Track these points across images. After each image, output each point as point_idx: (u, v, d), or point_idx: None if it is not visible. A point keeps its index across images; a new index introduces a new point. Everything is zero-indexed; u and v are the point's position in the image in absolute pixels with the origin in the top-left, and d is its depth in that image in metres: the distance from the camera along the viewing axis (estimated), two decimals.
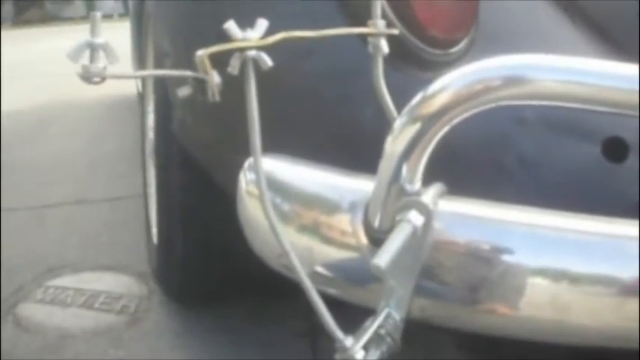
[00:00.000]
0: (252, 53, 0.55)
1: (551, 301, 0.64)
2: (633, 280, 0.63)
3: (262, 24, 0.57)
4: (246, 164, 0.78)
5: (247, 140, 0.94)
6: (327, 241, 0.69)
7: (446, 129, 0.57)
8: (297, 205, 0.72)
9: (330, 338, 1.35)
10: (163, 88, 1.12)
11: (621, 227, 0.67)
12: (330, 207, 0.69)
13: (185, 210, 1.12)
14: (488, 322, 0.64)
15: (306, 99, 0.76)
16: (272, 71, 0.58)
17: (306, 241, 0.71)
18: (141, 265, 1.52)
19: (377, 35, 0.65)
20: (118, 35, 1.63)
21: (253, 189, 0.77)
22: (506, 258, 0.64)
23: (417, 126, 0.58)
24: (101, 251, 1.61)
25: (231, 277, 1.27)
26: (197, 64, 0.55)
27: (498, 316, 0.66)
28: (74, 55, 0.50)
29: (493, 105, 0.56)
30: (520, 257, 0.64)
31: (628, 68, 0.55)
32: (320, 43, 0.66)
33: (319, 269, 0.69)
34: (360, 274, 0.67)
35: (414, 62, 0.80)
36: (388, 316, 0.62)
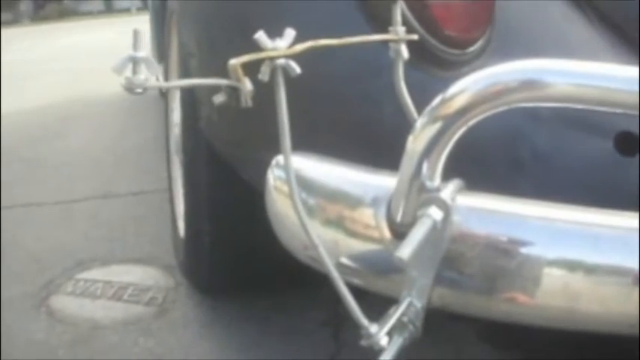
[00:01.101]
0: (281, 62, 0.59)
1: (566, 290, 0.67)
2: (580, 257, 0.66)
3: (290, 34, 0.61)
4: (274, 162, 0.82)
5: (272, 137, 0.99)
6: (351, 234, 0.73)
7: (464, 129, 0.61)
8: (323, 199, 0.76)
9: (352, 327, 1.40)
10: (187, 88, 1.17)
11: (631, 220, 0.71)
12: (354, 202, 0.74)
13: (213, 204, 1.17)
14: (505, 310, 0.68)
15: (329, 99, 0.80)
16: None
17: (331, 234, 0.75)
18: (167, 258, 1.58)
19: (398, 41, 0.69)
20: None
21: (281, 185, 0.81)
22: (522, 249, 0.68)
23: (437, 126, 0.62)
24: (128, 244, 1.67)
25: (255, 268, 1.32)
26: (229, 72, 0.60)
27: (515, 305, 0.70)
28: (119, 69, 0.55)
29: (509, 107, 0.60)
30: (536, 249, 0.68)
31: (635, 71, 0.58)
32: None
33: (344, 260, 0.73)
34: (383, 265, 0.71)
35: (432, 61, 0.84)
36: (410, 304, 0.66)
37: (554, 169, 0.81)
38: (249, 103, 0.59)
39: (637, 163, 0.81)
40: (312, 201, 0.78)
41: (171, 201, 1.58)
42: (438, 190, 0.64)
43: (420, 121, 0.63)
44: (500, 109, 0.60)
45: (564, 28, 0.84)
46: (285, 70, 0.60)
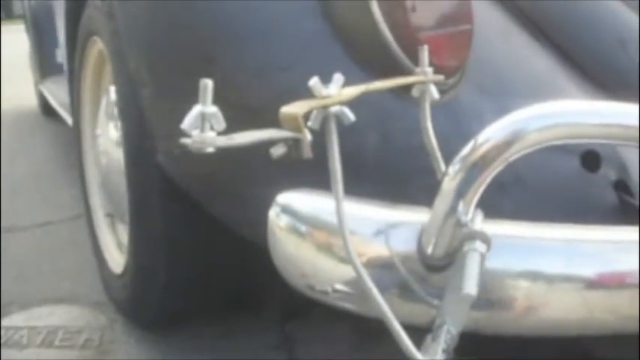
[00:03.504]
0: (334, 109, 0.62)
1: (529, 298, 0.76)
2: (596, 276, 0.77)
3: (339, 79, 0.63)
4: (278, 199, 0.83)
5: (245, 172, 1.00)
6: (368, 266, 0.77)
7: (496, 171, 0.68)
8: (335, 235, 0.79)
9: (305, 348, 1.44)
10: (135, 118, 1.13)
11: (584, 233, 0.81)
12: (367, 237, 0.78)
13: (169, 239, 1.15)
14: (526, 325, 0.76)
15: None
16: None
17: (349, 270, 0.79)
18: (93, 295, 1.50)
19: (425, 82, 0.74)
20: None
21: (285, 223, 0.83)
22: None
23: (469, 170, 0.68)
24: (45, 282, 1.57)
25: (205, 299, 1.31)
26: (283, 122, 0.61)
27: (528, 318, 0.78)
28: (191, 126, 0.54)
29: (535, 149, 0.68)
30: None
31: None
32: None
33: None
34: (410, 295, 0.76)
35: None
36: (448, 331, 0.71)
37: (530, 189, 0.91)
38: (310, 155, 0.60)
39: (599, 178, 0.92)
40: (321, 236, 0.81)
41: (93, 233, 1.51)
42: (472, 223, 0.70)
43: (455, 164, 0.68)
44: (528, 151, 0.68)
45: (531, 63, 0.94)
46: (338, 118, 0.62)
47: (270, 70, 0.94)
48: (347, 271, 0.78)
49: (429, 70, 0.76)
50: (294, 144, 0.59)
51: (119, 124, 1.23)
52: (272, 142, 0.59)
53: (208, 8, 0.99)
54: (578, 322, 0.77)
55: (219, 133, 0.55)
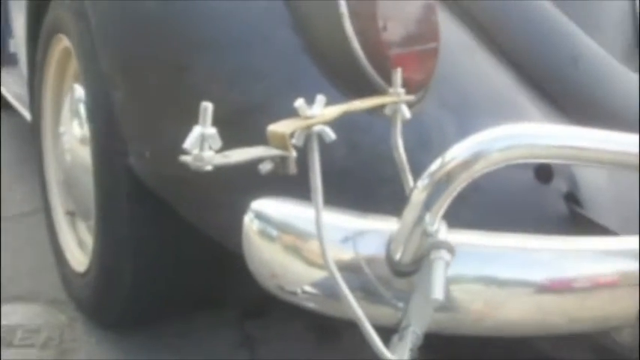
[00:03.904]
0: (317, 128, 0.67)
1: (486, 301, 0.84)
2: (547, 281, 0.85)
3: (321, 100, 0.68)
4: (252, 206, 0.88)
5: (218, 177, 1.04)
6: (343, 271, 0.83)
7: (461, 187, 0.75)
8: (307, 241, 0.85)
9: (267, 345, 1.49)
10: (105, 119, 1.16)
11: (536, 241, 0.89)
12: (337, 243, 0.84)
13: (136, 240, 1.18)
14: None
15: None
16: None
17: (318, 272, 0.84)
18: (52, 292, 1.51)
19: (398, 102, 0.80)
20: None
21: (258, 227, 0.88)
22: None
23: (436, 185, 0.75)
24: (2, 279, 1.56)
25: (169, 298, 1.35)
26: (270, 139, 0.66)
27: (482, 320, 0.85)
28: (191, 146, 0.59)
29: (497, 167, 0.75)
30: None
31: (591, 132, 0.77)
32: None
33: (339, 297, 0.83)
34: (377, 298, 0.82)
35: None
36: (413, 332, 0.78)
37: (489, 200, 0.98)
38: (295, 171, 0.65)
39: (551, 190, 1.01)
40: (291, 239, 0.86)
41: (52, 231, 1.52)
42: (437, 233, 0.76)
43: (424, 179, 0.75)
44: (491, 168, 0.75)
45: (492, 80, 1.01)
46: (320, 136, 0.68)
47: (243, 80, 0.99)
48: (315, 273, 0.84)
49: (402, 91, 0.82)
50: (281, 161, 0.65)
51: (87, 123, 1.25)
52: (260, 160, 0.64)
53: (183, 16, 1.03)
54: (531, 324, 0.84)
55: (216, 151, 0.61)
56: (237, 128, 0.96)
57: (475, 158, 0.74)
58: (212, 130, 0.60)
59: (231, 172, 0.91)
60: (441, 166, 0.75)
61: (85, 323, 1.43)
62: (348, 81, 0.94)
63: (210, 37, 1.00)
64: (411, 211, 0.77)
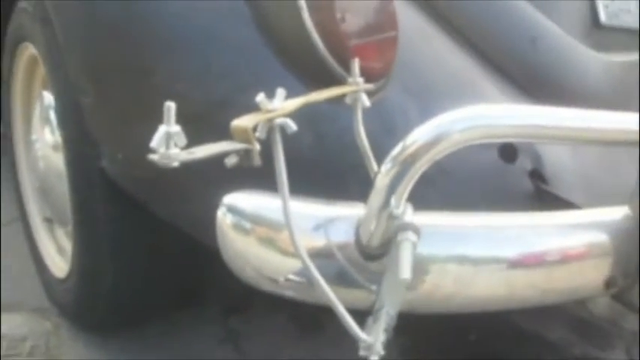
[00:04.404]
0: (279, 121, 0.70)
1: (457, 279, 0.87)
2: (516, 256, 0.89)
3: (282, 93, 0.71)
4: (224, 200, 0.91)
5: (189, 173, 1.07)
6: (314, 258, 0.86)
7: (424, 169, 0.78)
8: (279, 231, 0.88)
9: (251, 339, 1.51)
10: (76, 124, 1.18)
11: (502, 218, 0.93)
12: (308, 231, 0.86)
13: (115, 242, 1.20)
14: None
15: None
16: None
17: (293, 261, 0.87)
18: (34, 300, 1.52)
19: (357, 91, 0.83)
20: None
21: (231, 221, 0.90)
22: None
23: (399, 168, 0.78)
24: None
25: (151, 298, 1.37)
26: (234, 134, 0.68)
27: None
28: (159, 144, 0.61)
29: (458, 148, 0.78)
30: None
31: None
32: None
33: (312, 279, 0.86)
34: (351, 282, 0.85)
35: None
36: (387, 313, 0.81)
37: (454, 180, 1.02)
38: (259, 163, 0.68)
39: (516, 168, 1.04)
40: (265, 231, 0.89)
41: (31, 239, 1.53)
42: (404, 216, 0.79)
43: (387, 163, 0.78)
44: (452, 149, 0.78)
45: (451, 64, 1.04)
46: (283, 128, 0.70)
47: (207, 78, 1.01)
48: (290, 263, 0.87)
49: (361, 80, 0.85)
50: (245, 154, 0.67)
51: (58, 130, 1.27)
52: (226, 154, 0.67)
53: (145, 19, 1.05)
54: (501, 298, 0.88)
55: (182, 148, 0.63)
56: (203, 125, 0.98)
57: (436, 140, 0.77)
58: (176, 128, 0.62)
59: (202, 167, 0.95)
60: (403, 150, 0.78)
61: (70, 329, 1.44)
62: (311, 73, 0.96)
63: (172, 38, 1.02)
64: (376, 196, 0.79)
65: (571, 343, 1.34)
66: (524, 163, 1.03)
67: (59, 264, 1.43)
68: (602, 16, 1.21)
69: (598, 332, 1.34)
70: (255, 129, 0.69)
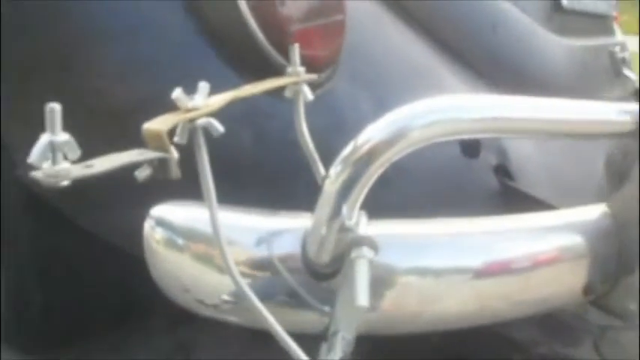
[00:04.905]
0: (202, 121, 0.54)
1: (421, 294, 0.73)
2: (484, 265, 0.75)
3: (204, 87, 0.55)
4: (152, 212, 0.75)
5: (112, 181, 0.90)
6: (252, 276, 0.71)
7: (379, 172, 0.63)
8: (209, 244, 0.72)
9: (201, 351, 1.35)
10: None
11: (465, 225, 0.79)
12: (249, 246, 0.71)
13: (40, 256, 1.03)
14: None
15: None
16: None
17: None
18: None
19: (299, 82, 0.67)
20: None
21: (161, 236, 0.74)
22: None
23: (354, 170, 0.62)
24: None
25: (91, 313, 1.20)
26: (147, 139, 0.52)
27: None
28: (39, 159, 0.45)
29: (418, 147, 0.63)
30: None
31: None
32: None
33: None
34: (296, 303, 0.70)
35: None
36: (343, 338, 0.66)
37: (413, 179, 0.87)
38: (178, 175, 0.52)
39: (480, 163, 0.90)
40: (200, 247, 0.73)
41: None
42: (356, 227, 0.64)
43: (336, 166, 0.63)
44: (412, 149, 0.63)
45: (406, 51, 0.89)
46: (206, 130, 0.54)
47: (132, 71, 0.84)
48: (228, 283, 0.72)
49: (301, 69, 0.69)
50: (160, 164, 0.51)
51: None
52: (136, 165, 0.51)
53: (62, 9, 0.88)
54: (472, 313, 0.74)
55: (74, 162, 0.47)
56: (127, 125, 0.82)
57: (394, 138, 0.61)
58: (64, 137, 0.46)
59: (125, 173, 0.79)
60: (355, 150, 0.63)
61: (6, 350, 1.27)
62: (248, 63, 0.81)
63: (89, 27, 0.85)
64: (324, 204, 0.64)
65: (537, 341, 1.22)
66: (488, 158, 0.90)
67: None
68: (564, 0, 1.08)
69: (564, 328, 1.22)
70: (172, 132, 0.53)
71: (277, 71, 0.81)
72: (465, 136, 0.72)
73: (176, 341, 1.30)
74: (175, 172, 0.52)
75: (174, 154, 0.52)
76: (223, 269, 0.71)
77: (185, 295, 0.76)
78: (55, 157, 0.46)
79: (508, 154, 0.87)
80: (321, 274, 0.67)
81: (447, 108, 0.64)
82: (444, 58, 0.91)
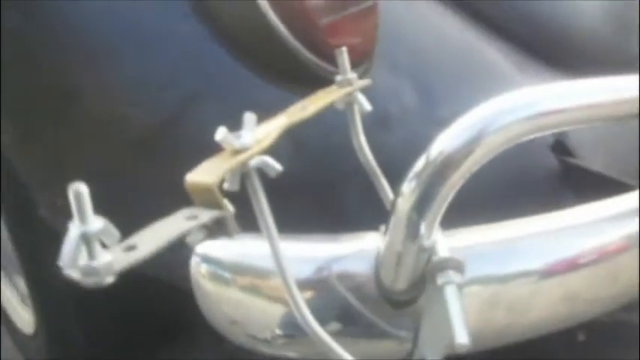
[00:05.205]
0: (255, 162, 0.44)
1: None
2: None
3: (251, 120, 0.45)
4: (197, 249, 0.65)
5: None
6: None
7: (460, 184, 0.52)
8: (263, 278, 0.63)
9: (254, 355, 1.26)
10: (3, 170, 0.89)
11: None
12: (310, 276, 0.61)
13: (76, 294, 0.93)
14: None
15: None
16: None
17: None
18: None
19: (354, 91, 0.56)
20: None
21: (207, 271, 0.65)
22: None
23: (427, 187, 0.52)
24: None
25: (136, 344, 1.11)
26: (192, 194, 0.42)
27: None
28: (72, 260, 0.35)
29: (499, 151, 0.52)
30: None
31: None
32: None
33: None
34: (370, 333, 0.61)
35: (306, 77, 0.73)
36: None
37: None
38: (238, 231, 0.42)
39: (536, 142, 0.80)
40: (258, 282, 0.64)
41: None
42: (434, 247, 0.55)
43: (410, 181, 0.52)
44: (494, 154, 0.52)
45: (448, 33, 0.78)
46: (261, 170, 0.44)
47: (147, 91, 0.74)
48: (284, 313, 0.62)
49: (354, 75, 0.58)
50: (216, 223, 0.42)
51: None
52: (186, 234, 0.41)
53: (56, 29, 0.76)
54: (560, 316, 0.65)
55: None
56: (151, 151, 0.72)
57: (472, 145, 0.51)
58: (98, 224, 0.35)
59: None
60: (430, 163, 0.52)
61: None
62: (274, 68, 0.70)
63: (94, 48, 0.74)
64: (399, 225, 0.54)
65: None
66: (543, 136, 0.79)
67: (25, 317, 1.16)
68: None
69: None
70: (222, 181, 0.43)
71: (310, 72, 0.70)
72: (549, 132, 0.62)
73: (224, 354, 1.22)
74: (234, 229, 0.42)
75: (230, 208, 0.42)
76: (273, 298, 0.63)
77: (234, 328, 0.67)
78: (92, 251, 0.35)
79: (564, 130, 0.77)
80: (398, 303, 0.57)
81: (524, 104, 0.53)
82: (491, 38, 0.79)
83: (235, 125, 0.49)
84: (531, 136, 0.53)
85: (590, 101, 0.53)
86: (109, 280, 0.35)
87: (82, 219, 0.34)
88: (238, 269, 0.64)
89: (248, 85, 0.73)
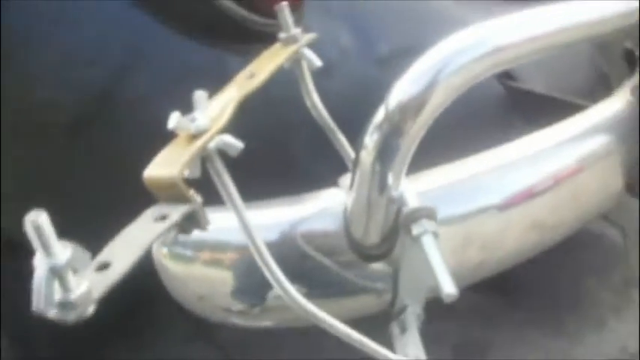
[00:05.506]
0: (214, 144, 0.39)
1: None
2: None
3: (202, 97, 0.39)
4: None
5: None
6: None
7: (425, 129, 0.49)
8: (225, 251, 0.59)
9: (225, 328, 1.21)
10: None
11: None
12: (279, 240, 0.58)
13: None
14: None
15: None
16: None
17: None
18: None
19: (300, 47, 0.51)
20: None
21: (173, 254, 0.60)
22: None
23: (389, 136, 0.49)
24: None
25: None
26: (154, 190, 0.37)
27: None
28: (46, 298, 0.29)
29: (461, 92, 0.49)
30: None
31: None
32: None
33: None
34: (347, 289, 0.59)
35: (237, 33, 0.67)
36: (413, 312, 0.56)
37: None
38: (209, 222, 0.38)
39: None
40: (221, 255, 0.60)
41: None
42: (403, 197, 0.52)
43: (371, 133, 0.49)
44: (453, 97, 0.49)
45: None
46: (223, 151, 0.40)
47: (73, 71, 0.66)
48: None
49: (298, 31, 0.53)
50: (187, 219, 0.37)
51: None
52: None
53: None
54: (531, 244, 0.64)
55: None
56: (85, 134, 0.65)
57: (431, 89, 0.48)
58: (66, 253, 0.29)
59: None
60: (389, 113, 0.49)
61: None
62: (204, 28, 0.64)
63: (10, 29, 0.64)
64: (364, 179, 0.51)
65: None
66: None
67: None
68: None
69: None
70: (183, 173, 0.38)
71: (240, 27, 0.64)
72: (512, 65, 0.59)
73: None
74: (205, 221, 0.38)
75: (198, 199, 0.38)
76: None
77: (201, 303, 0.63)
78: (66, 283, 0.30)
79: None
80: (372, 257, 0.55)
81: (478, 41, 0.49)
82: None
83: (174, 95, 0.43)
84: (490, 74, 0.51)
85: (546, 30, 0.50)
86: (91, 310, 0.31)
87: (47, 252, 0.29)
88: (199, 245, 0.59)
89: (180, 50, 0.66)
